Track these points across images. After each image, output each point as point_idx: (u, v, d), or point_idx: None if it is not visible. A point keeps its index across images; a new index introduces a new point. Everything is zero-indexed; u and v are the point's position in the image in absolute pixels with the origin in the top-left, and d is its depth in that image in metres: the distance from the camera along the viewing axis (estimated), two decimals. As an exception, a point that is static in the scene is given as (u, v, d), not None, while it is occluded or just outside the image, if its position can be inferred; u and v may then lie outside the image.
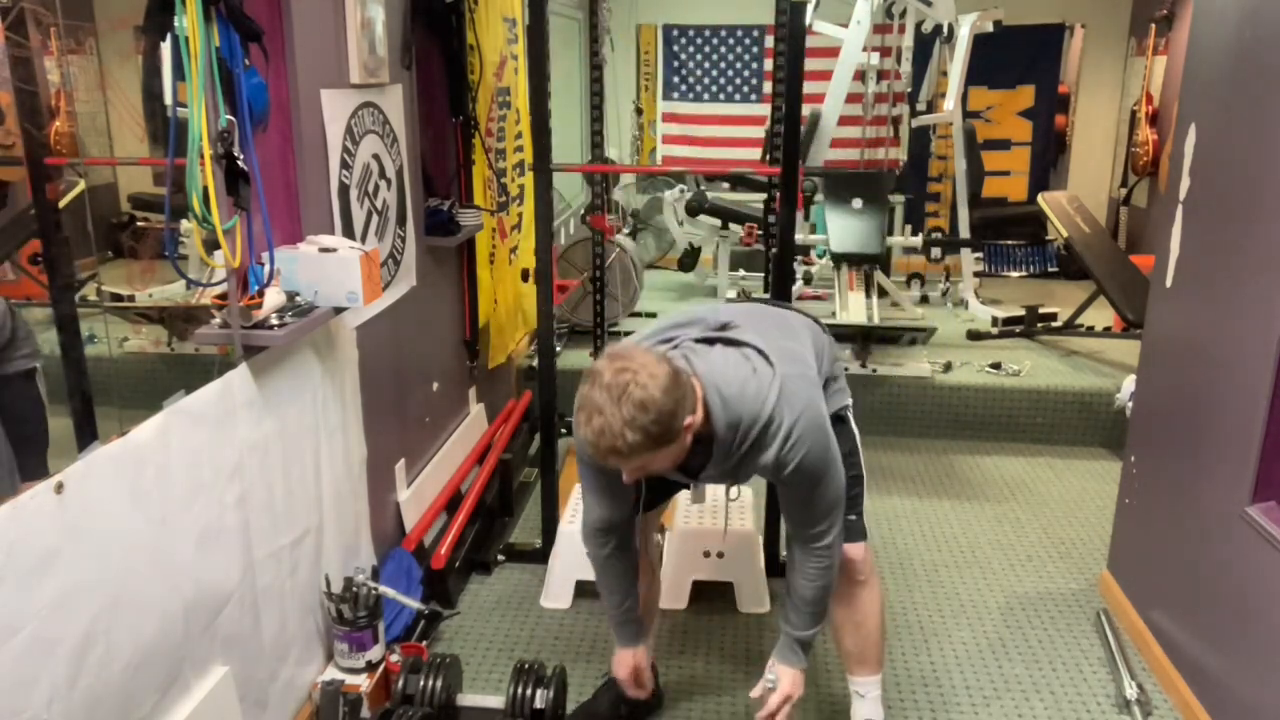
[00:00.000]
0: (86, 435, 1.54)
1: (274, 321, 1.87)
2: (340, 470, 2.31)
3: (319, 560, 2.22)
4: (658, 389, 1.59)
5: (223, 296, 1.82)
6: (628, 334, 4.56)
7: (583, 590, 2.85)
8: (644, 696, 2.22)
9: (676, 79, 6.98)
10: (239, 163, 1.70)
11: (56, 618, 1.37)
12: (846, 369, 4.17)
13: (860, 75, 5.20)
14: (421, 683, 2.15)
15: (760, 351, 1.79)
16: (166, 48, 1.62)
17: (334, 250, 2.01)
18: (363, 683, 2.20)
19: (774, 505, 2.87)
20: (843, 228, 4.93)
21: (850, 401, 2.14)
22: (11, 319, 1.69)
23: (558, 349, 3.81)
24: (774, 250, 2.89)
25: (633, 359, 1.63)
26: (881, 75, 5.26)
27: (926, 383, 4.19)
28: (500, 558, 3.08)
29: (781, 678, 1.97)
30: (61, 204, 1.63)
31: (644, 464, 1.68)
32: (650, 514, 2.29)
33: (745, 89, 6.92)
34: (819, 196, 5.32)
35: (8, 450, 1.59)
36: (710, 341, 1.82)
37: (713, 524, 2.80)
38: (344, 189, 2.36)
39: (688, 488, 2.16)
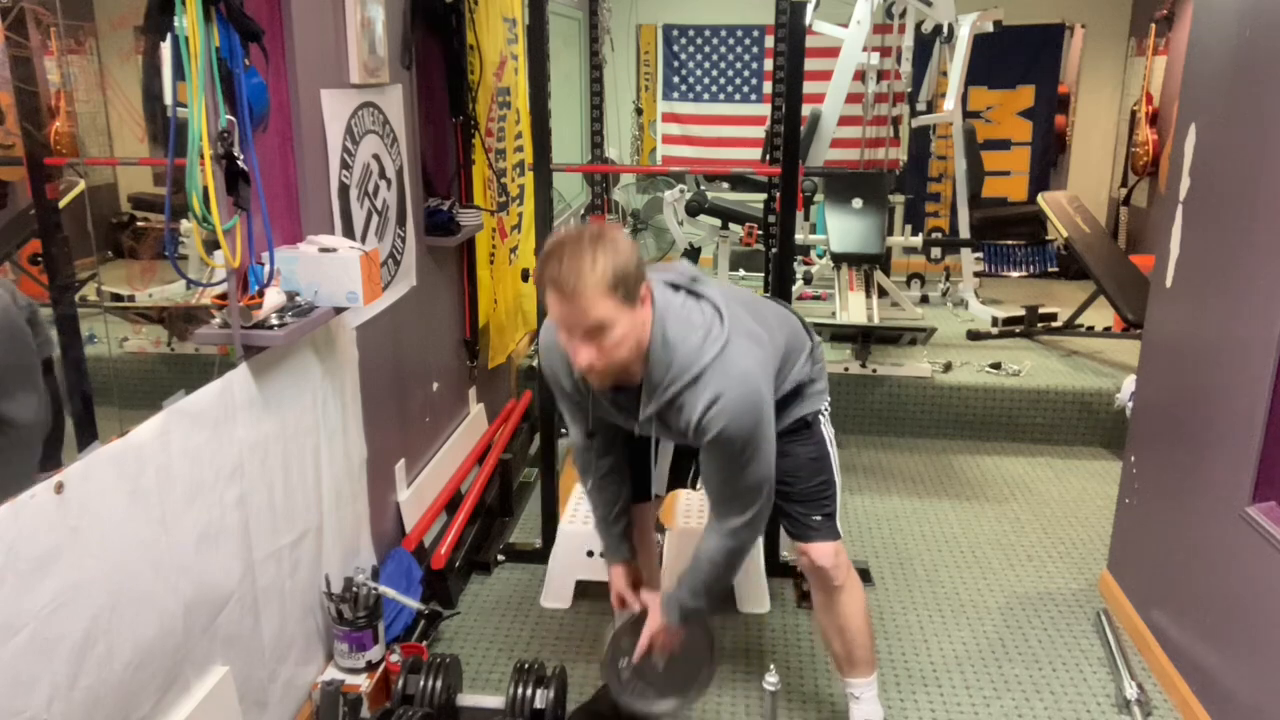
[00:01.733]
0: (86, 435, 1.53)
1: (274, 321, 1.87)
2: (340, 470, 2.31)
3: (319, 560, 2.22)
4: (625, 243, 1.65)
5: (223, 296, 1.82)
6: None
7: (583, 590, 2.85)
8: (633, 608, 2.13)
9: (676, 79, 6.98)
10: (239, 163, 1.70)
11: (56, 618, 1.37)
12: (846, 369, 4.19)
13: (860, 75, 5.20)
14: (421, 683, 2.15)
15: (719, 311, 1.79)
16: (166, 48, 1.62)
17: (334, 250, 2.01)
18: (363, 683, 2.21)
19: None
20: (843, 228, 4.93)
21: (825, 405, 2.13)
22: (21, 315, 1.67)
23: (558, 349, 3.81)
24: (774, 250, 2.89)
25: (599, 224, 1.68)
26: (881, 75, 5.26)
27: (926, 383, 4.19)
28: (500, 558, 3.08)
29: (653, 617, 2.01)
30: (61, 204, 1.62)
31: (602, 321, 1.63)
32: (647, 509, 2.30)
33: (745, 89, 6.92)
34: (819, 196, 5.32)
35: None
36: (676, 287, 1.83)
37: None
38: (344, 189, 2.36)
39: (637, 437, 2.07)
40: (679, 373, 1.74)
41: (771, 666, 1.97)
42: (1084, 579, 3.04)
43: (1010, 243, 6.53)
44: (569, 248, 1.62)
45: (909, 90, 5.36)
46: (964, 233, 5.40)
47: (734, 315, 1.81)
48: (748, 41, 6.84)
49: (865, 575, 3.01)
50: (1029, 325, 4.91)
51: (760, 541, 2.87)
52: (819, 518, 2.07)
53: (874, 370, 4.20)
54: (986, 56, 5.83)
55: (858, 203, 4.96)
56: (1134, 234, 6.56)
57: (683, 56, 6.93)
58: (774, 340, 1.94)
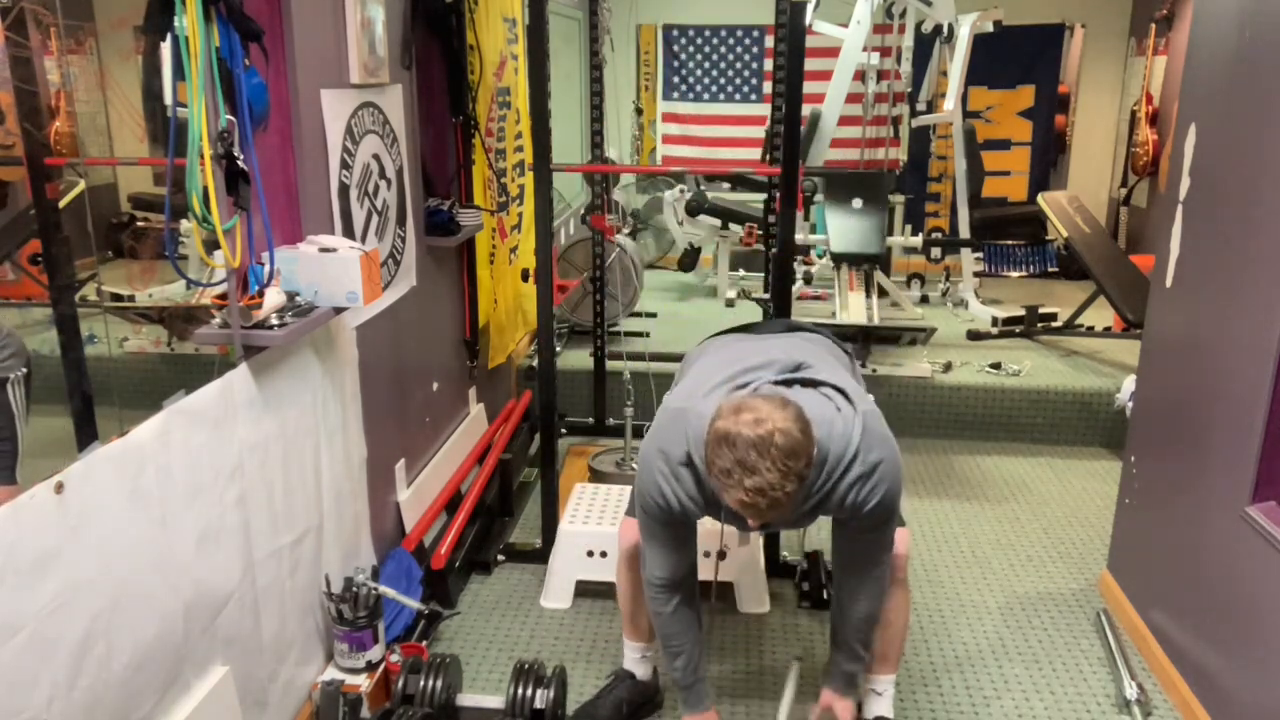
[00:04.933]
0: (86, 435, 1.53)
1: (274, 321, 1.87)
2: (340, 470, 2.31)
3: (319, 560, 2.22)
4: (797, 430, 1.60)
5: (223, 296, 1.82)
6: (628, 334, 4.59)
7: (583, 590, 2.85)
8: None
9: (676, 79, 6.98)
10: (239, 163, 1.70)
11: (56, 618, 1.37)
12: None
13: (860, 75, 5.21)
14: (421, 683, 2.15)
15: (840, 390, 1.80)
16: (166, 48, 1.62)
17: (334, 250, 2.01)
18: (363, 683, 2.21)
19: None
20: (843, 228, 4.93)
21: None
22: None
23: (558, 349, 3.81)
24: (774, 250, 2.89)
25: (759, 408, 1.62)
26: (881, 75, 5.26)
27: (926, 383, 4.18)
28: (500, 558, 3.08)
29: (841, 712, 2.04)
30: (61, 204, 1.62)
31: (792, 510, 1.69)
32: None
33: (745, 89, 6.92)
34: (819, 196, 5.32)
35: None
36: (788, 384, 1.82)
37: (712, 524, 2.79)
38: (344, 189, 2.36)
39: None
40: (835, 464, 1.75)
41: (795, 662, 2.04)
42: (1084, 579, 3.04)
43: (1010, 243, 6.54)
44: (754, 471, 1.58)
45: (909, 90, 5.36)
46: (964, 233, 5.40)
47: (847, 384, 1.84)
48: (748, 41, 6.84)
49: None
50: (1029, 325, 4.91)
51: (759, 541, 2.87)
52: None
53: (874, 370, 4.20)
54: (986, 56, 5.83)
55: (858, 203, 4.96)
56: (1134, 234, 6.56)
57: (683, 56, 6.93)
58: (861, 384, 2.00)
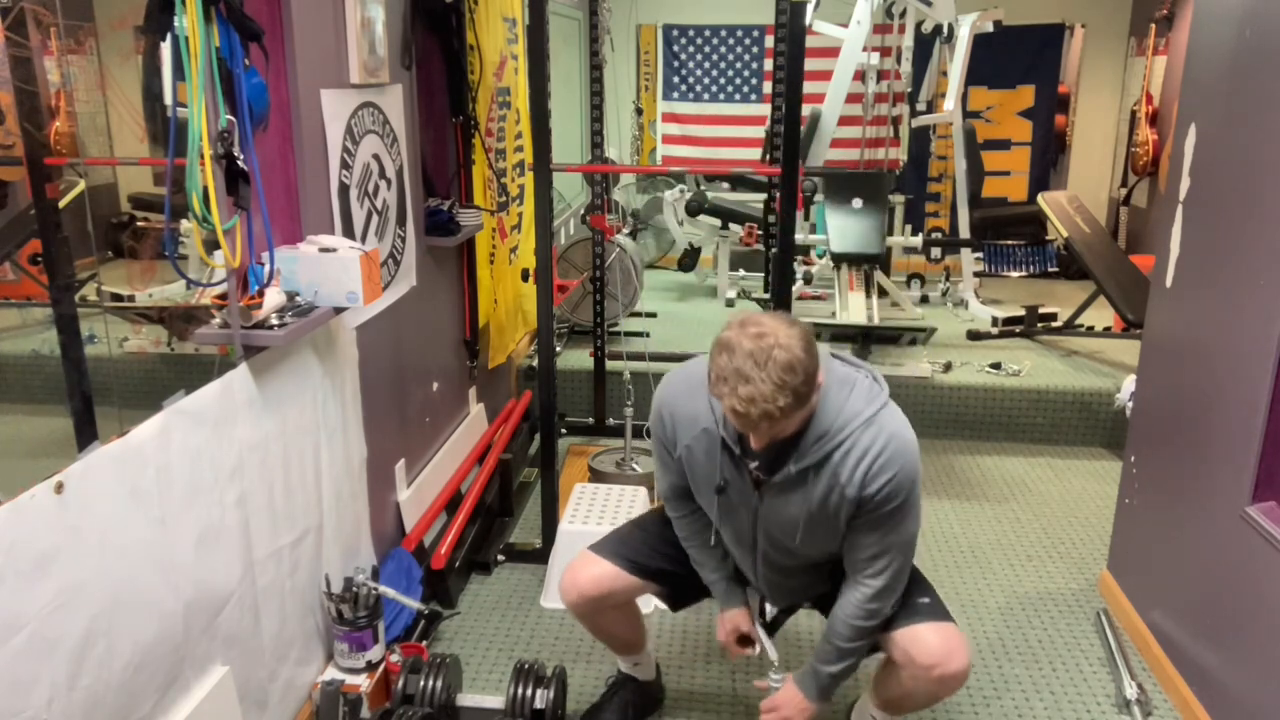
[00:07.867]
0: (86, 435, 1.53)
1: (274, 321, 1.87)
2: (340, 470, 2.31)
3: (319, 560, 2.22)
4: (799, 348, 1.60)
5: (223, 296, 1.82)
6: (628, 334, 4.60)
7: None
8: (748, 651, 2.08)
9: (676, 79, 6.98)
10: (239, 163, 1.70)
11: (56, 618, 1.37)
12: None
13: (860, 75, 5.21)
14: (421, 683, 2.15)
15: (872, 376, 1.82)
16: (166, 48, 1.62)
17: (334, 250, 2.01)
18: (363, 683, 2.21)
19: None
20: (843, 228, 4.93)
21: None
22: None
23: (558, 349, 3.81)
24: (774, 250, 2.89)
25: (764, 323, 1.62)
26: (881, 75, 5.26)
27: (926, 383, 4.18)
28: (500, 558, 3.08)
29: (787, 698, 1.93)
30: (61, 204, 1.62)
31: (784, 427, 1.66)
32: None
33: (745, 89, 6.92)
34: (819, 196, 5.32)
35: None
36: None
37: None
38: (344, 189, 2.36)
39: (756, 491, 1.88)
40: (850, 418, 1.73)
41: (775, 663, 1.97)
42: (1084, 579, 3.04)
43: (1010, 243, 6.54)
44: (748, 380, 1.57)
45: (909, 90, 5.36)
46: (964, 233, 5.41)
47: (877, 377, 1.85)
48: (748, 41, 6.84)
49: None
50: (1029, 325, 4.91)
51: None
52: (926, 600, 1.95)
53: (874, 370, 4.20)
54: (986, 56, 5.84)
55: (858, 203, 4.96)
56: (1134, 234, 6.57)
57: (683, 56, 6.93)
58: None
